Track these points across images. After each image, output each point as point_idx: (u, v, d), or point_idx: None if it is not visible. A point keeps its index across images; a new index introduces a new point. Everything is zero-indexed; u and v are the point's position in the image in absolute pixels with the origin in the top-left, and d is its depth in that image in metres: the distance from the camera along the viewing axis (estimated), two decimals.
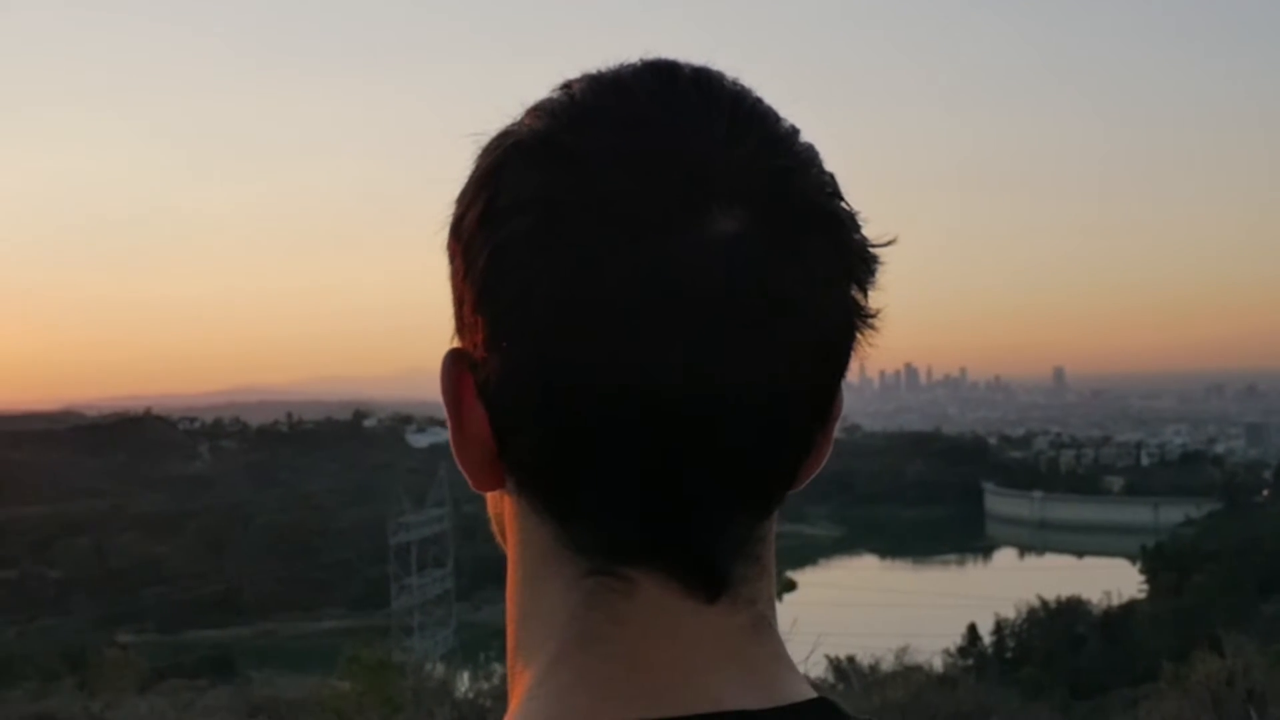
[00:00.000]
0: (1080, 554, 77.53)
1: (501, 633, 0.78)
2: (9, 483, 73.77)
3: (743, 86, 0.76)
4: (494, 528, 0.82)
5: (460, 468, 0.78)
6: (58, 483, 77.78)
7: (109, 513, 70.74)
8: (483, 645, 39.99)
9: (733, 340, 0.69)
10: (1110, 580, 49.58)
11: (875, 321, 0.76)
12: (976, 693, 16.04)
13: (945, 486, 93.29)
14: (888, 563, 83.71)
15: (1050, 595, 43.20)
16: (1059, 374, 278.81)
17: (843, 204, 0.75)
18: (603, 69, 0.76)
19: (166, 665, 33.43)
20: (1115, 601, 43.61)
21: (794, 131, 0.76)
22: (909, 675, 16.54)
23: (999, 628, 42.79)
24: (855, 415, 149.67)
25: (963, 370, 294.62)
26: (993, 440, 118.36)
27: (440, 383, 0.77)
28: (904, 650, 20.35)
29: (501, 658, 0.79)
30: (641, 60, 0.76)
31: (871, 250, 0.76)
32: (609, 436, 0.70)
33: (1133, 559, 60.95)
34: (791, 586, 68.26)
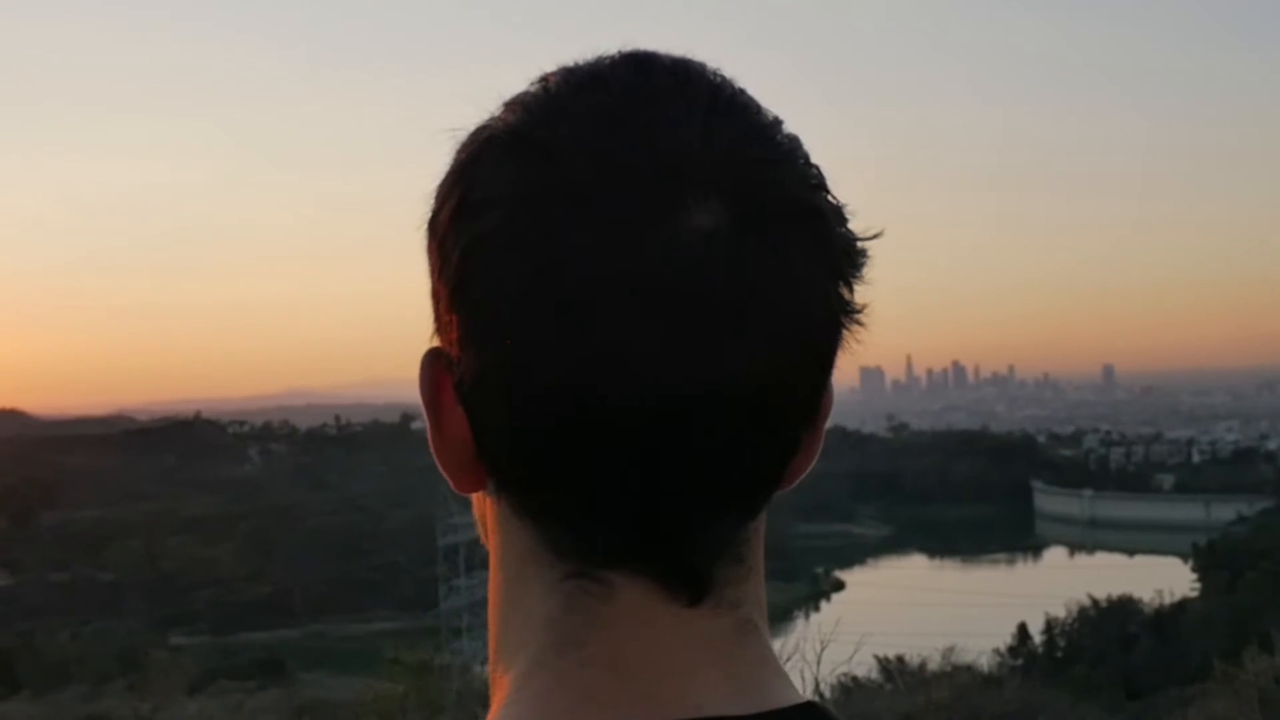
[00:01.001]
0: (1131, 552, 76.78)
1: None
2: (63, 487, 74.51)
3: (723, 78, 0.75)
4: (479, 530, 0.81)
5: (441, 469, 0.77)
6: (110, 486, 78.49)
7: (160, 516, 71.28)
8: None
9: (707, 337, 0.67)
10: (1162, 579, 49.09)
11: (862, 317, 0.75)
12: (1022, 692, 15.95)
13: (994, 485, 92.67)
14: (936, 562, 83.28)
15: (1101, 594, 42.87)
16: (1108, 371, 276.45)
17: (826, 197, 0.73)
18: (580, 61, 0.75)
19: (218, 667, 33.70)
20: (1167, 600, 43.20)
21: (776, 123, 0.74)
22: (954, 675, 16.47)
23: (1049, 627, 42.47)
24: (902, 414, 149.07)
25: (1011, 368, 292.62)
26: (1042, 438, 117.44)
27: (418, 382, 0.76)
28: (950, 650, 20.25)
29: None
30: (620, 52, 0.75)
31: (857, 244, 0.74)
32: (583, 436, 0.68)
33: (1184, 557, 60.28)
34: (840, 586, 68.12)
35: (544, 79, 0.75)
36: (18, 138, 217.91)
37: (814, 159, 0.75)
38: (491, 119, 0.75)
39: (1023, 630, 41.78)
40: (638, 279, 0.67)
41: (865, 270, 0.75)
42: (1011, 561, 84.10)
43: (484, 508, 0.79)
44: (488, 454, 0.73)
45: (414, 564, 61.74)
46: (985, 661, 25.85)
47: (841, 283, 0.73)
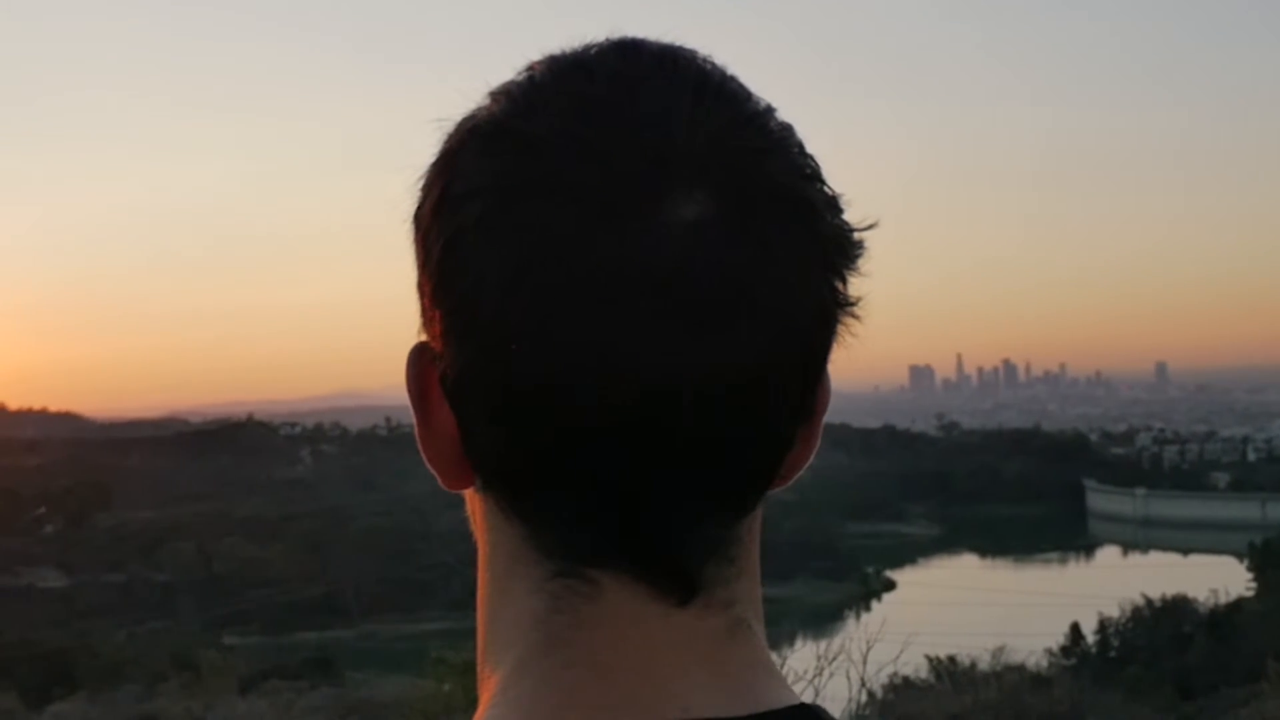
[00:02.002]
0: (1185, 551, 76.03)
1: None
2: (117, 488, 75.24)
3: (712, 65, 0.73)
4: (471, 527, 0.79)
5: (429, 466, 0.76)
6: (164, 488, 79.20)
7: (213, 517, 71.79)
8: None
9: (692, 331, 0.66)
10: (1217, 578, 48.57)
11: (857, 310, 0.73)
12: (1072, 692, 15.83)
13: (1045, 484, 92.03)
14: (988, 561, 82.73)
15: (1155, 593, 42.49)
16: (1161, 369, 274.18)
17: (818, 187, 0.71)
18: (567, 49, 0.73)
19: (271, 667, 33.91)
20: (1222, 600, 42.74)
21: (766, 111, 0.72)
22: (1003, 675, 16.38)
23: (1102, 627, 42.15)
24: (953, 413, 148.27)
25: (1062, 366, 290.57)
26: (1094, 437, 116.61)
27: (405, 378, 0.75)
28: (1000, 650, 20.14)
29: None
30: (608, 39, 0.73)
31: (851, 236, 0.72)
32: (566, 433, 0.67)
33: (1239, 556, 59.64)
34: (890, 586, 67.79)
35: (530, 67, 0.73)
36: (69, 144, 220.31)
37: (809, 148, 0.73)
38: (477, 109, 0.73)
39: (1075, 630, 41.47)
40: (620, 272, 0.65)
41: (860, 263, 0.73)
42: (1064, 561, 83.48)
43: (474, 505, 0.78)
44: (474, 451, 0.72)
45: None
46: (1038, 662, 25.65)
47: (833, 275, 0.71)
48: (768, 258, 0.67)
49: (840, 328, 0.73)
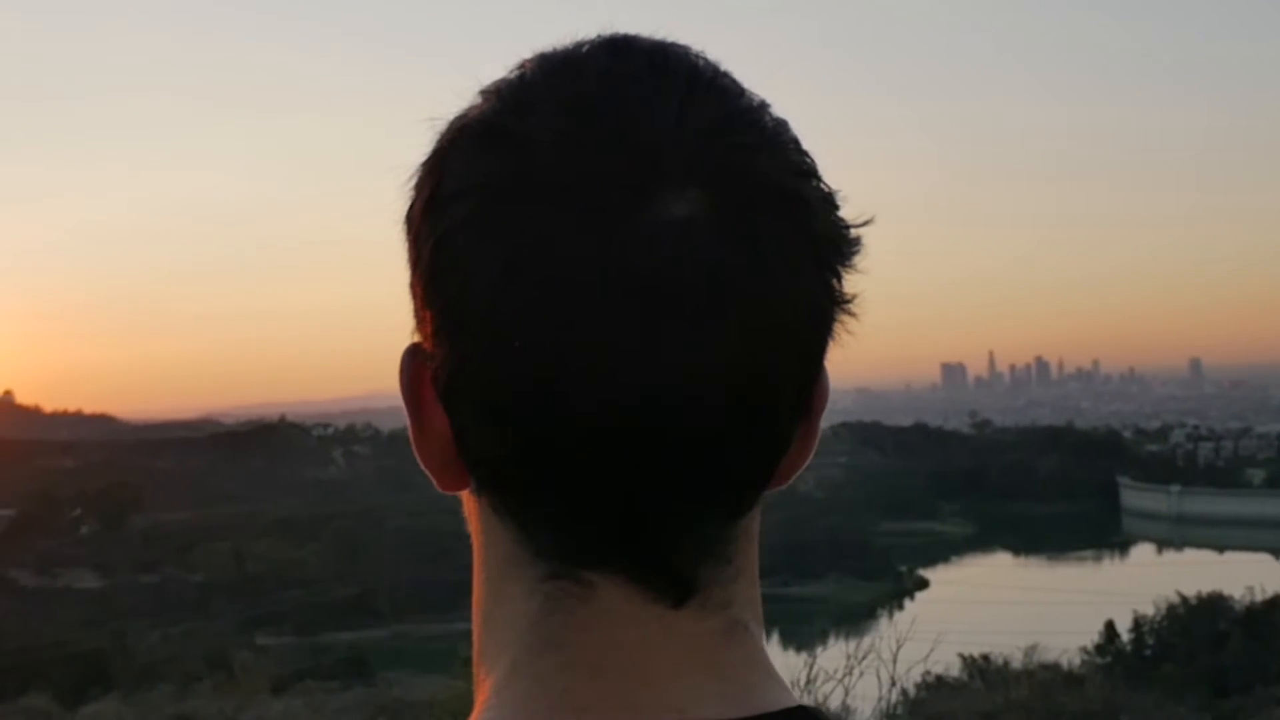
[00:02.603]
0: (1221, 549, 75.56)
1: None
2: (151, 490, 75.65)
3: (704, 61, 0.72)
4: (468, 529, 0.78)
5: (423, 468, 0.75)
6: (198, 489, 79.64)
7: (247, 518, 72.15)
8: None
9: (682, 330, 0.65)
10: (1253, 575, 48.16)
11: (854, 307, 0.72)
12: (1105, 691, 15.74)
13: (1079, 481, 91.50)
14: (1022, 560, 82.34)
15: (1190, 591, 42.18)
16: (1195, 365, 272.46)
17: (811, 183, 0.71)
18: (558, 46, 0.73)
19: (305, 667, 34.04)
20: (1258, 597, 42.45)
21: (759, 107, 0.71)
22: (1035, 674, 16.31)
23: (1137, 625, 41.87)
24: (985, 410, 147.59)
25: (1095, 363, 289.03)
26: (1128, 434, 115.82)
27: (399, 379, 0.74)
28: (1033, 648, 20.05)
29: None
30: (600, 36, 0.72)
31: (846, 233, 0.71)
32: (557, 434, 0.66)
33: (1275, 553, 59.33)
34: (924, 584, 67.55)
35: (521, 65, 0.72)
36: (104, 149, 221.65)
37: (805, 144, 0.72)
38: (468, 108, 0.72)
39: (1110, 628, 41.23)
40: (609, 271, 0.65)
41: (856, 260, 0.72)
42: (1098, 559, 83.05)
43: (469, 507, 0.77)
44: (467, 452, 0.71)
45: None
46: (1072, 660, 25.52)
47: (827, 273, 0.70)
48: (759, 255, 0.67)
49: (836, 326, 0.72)
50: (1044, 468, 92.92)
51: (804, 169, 0.71)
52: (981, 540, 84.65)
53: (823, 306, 0.70)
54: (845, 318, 0.72)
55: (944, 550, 78.74)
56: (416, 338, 0.73)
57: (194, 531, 69.43)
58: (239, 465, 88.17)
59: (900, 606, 59.57)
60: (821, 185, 0.71)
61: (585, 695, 0.69)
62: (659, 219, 0.65)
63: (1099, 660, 34.11)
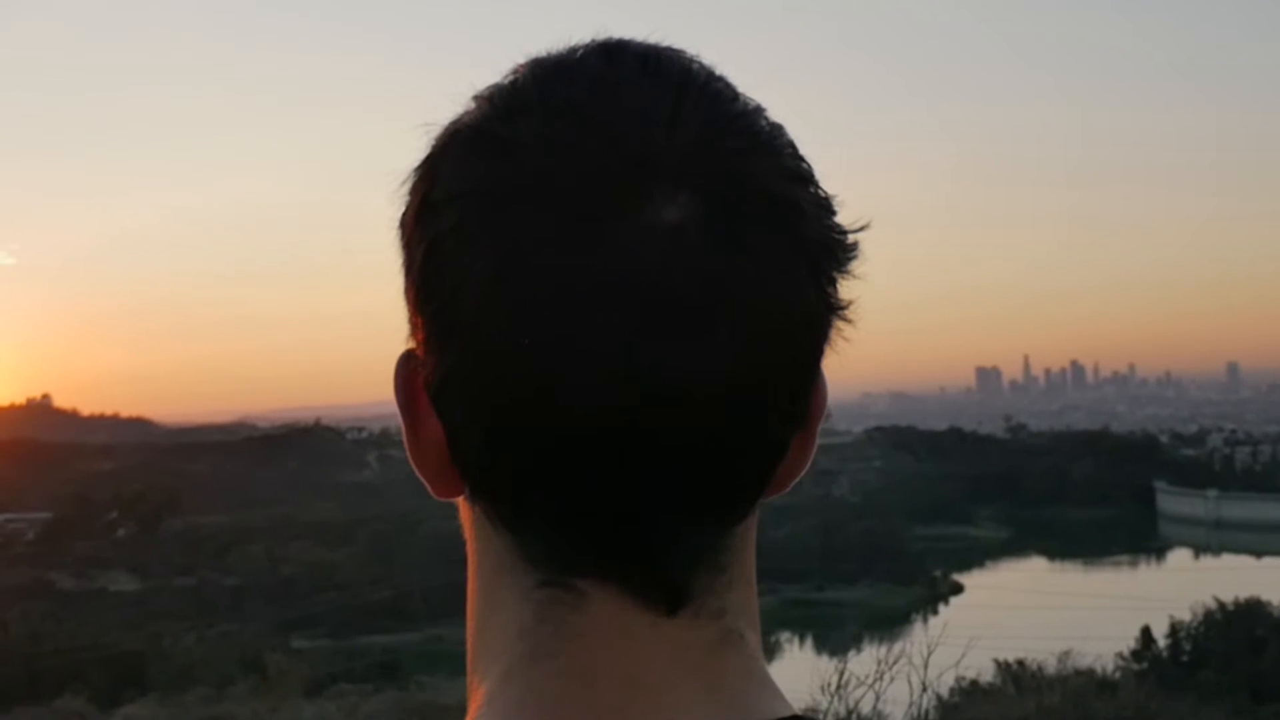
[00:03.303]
0: (1258, 554, 75.01)
1: None
2: (187, 493, 76.08)
3: (698, 65, 0.71)
4: (464, 536, 0.78)
5: (418, 474, 0.75)
6: (233, 492, 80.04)
7: (282, 521, 72.45)
8: None
9: (672, 337, 0.64)
10: None
11: (849, 314, 0.72)
12: (1139, 697, 15.65)
13: (1115, 486, 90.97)
14: (1057, 564, 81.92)
15: (1227, 597, 41.89)
16: (1233, 368, 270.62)
17: (805, 189, 0.70)
18: (551, 51, 0.72)
19: (339, 670, 34.17)
20: None
21: (752, 111, 0.71)
22: (1067, 680, 16.22)
23: (1174, 630, 41.61)
24: (1020, 414, 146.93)
25: (1131, 366, 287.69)
26: (1164, 438, 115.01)
27: (393, 385, 0.74)
28: (1066, 654, 19.94)
29: None
30: (593, 40, 0.72)
31: (841, 239, 0.71)
32: (548, 441, 0.66)
33: None
34: (958, 589, 67.26)
35: (515, 70, 0.72)
36: (140, 154, 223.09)
37: (801, 149, 0.72)
38: (461, 113, 0.72)
39: (1146, 634, 41.00)
40: (599, 277, 0.64)
41: (852, 266, 0.71)
42: (1134, 564, 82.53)
43: (464, 514, 0.77)
44: (460, 459, 0.71)
45: None
46: (1107, 665, 25.40)
47: (820, 279, 0.69)
48: (750, 261, 0.66)
49: (831, 332, 0.71)
50: (1079, 472, 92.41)
51: (798, 174, 0.70)
52: (1016, 545, 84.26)
53: (816, 312, 0.69)
54: (841, 324, 0.72)
55: (978, 555, 78.42)
56: (411, 344, 0.73)
57: (229, 534, 69.78)
58: (274, 468, 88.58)
59: (934, 612, 59.34)
60: (816, 190, 0.71)
61: (578, 704, 0.69)
62: (649, 224, 0.65)
63: (1135, 666, 33.93)
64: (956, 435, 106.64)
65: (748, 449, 0.69)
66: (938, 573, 68.61)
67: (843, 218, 0.72)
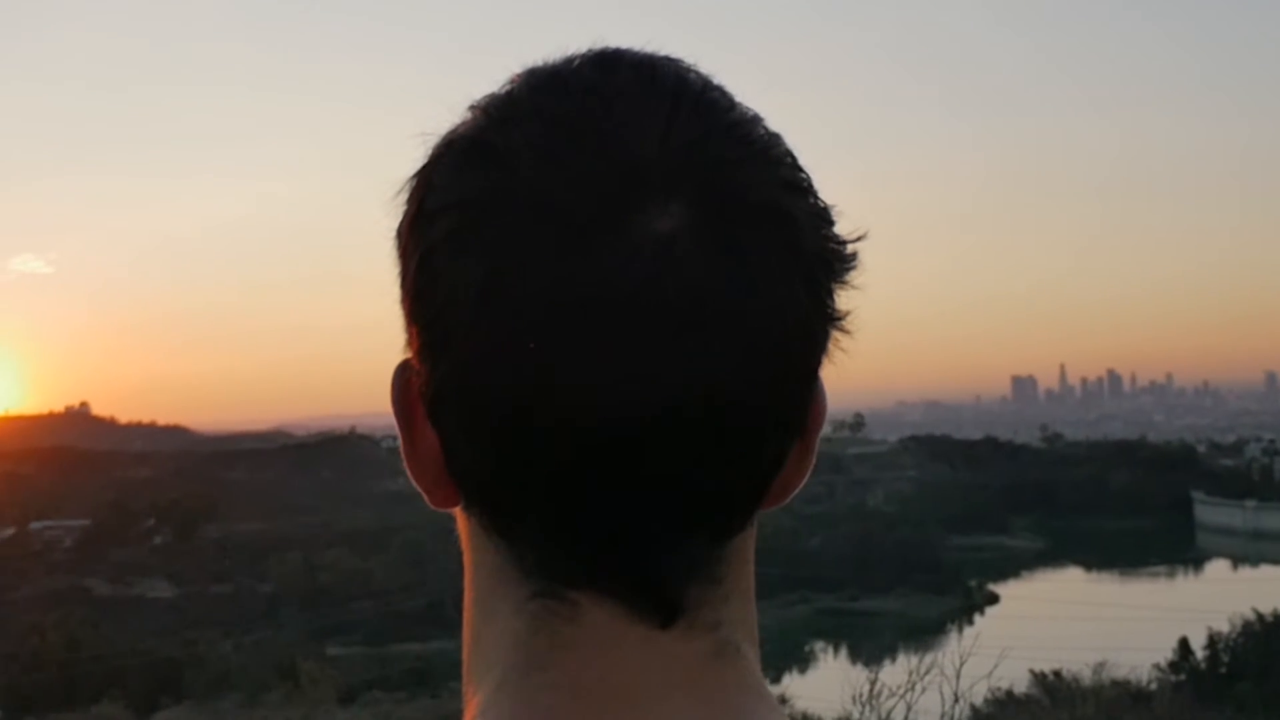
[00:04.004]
0: None
1: None
2: (224, 501, 76.52)
3: (694, 74, 0.71)
4: (462, 547, 0.78)
5: (415, 484, 0.75)
6: (269, 500, 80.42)
7: (317, 528, 72.76)
8: None
9: (663, 347, 0.64)
10: None
11: (847, 324, 0.71)
12: (1174, 709, 15.55)
13: (1152, 496, 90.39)
14: (1093, 575, 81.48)
15: (1266, 608, 41.59)
16: (1271, 378, 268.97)
17: (801, 198, 0.70)
18: (546, 61, 0.72)
19: (374, 678, 34.24)
20: None
21: (748, 121, 0.71)
22: (1101, 691, 16.14)
23: (1212, 642, 41.33)
24: (1056, 424, 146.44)
25: (1169, 376, 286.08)
26: (1202, 448, 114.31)
27: (390, 396, 0.74)
28: (1101, 665, 19.83)
29: None
30: (590, 50, 0.72)
31: (838, 249, 0.70)
32: (541, 453, 0.66)
33: None
34: (994, 600, 66.93)
35: (511, 80, 0.72)
36: (177, 165, 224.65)
37: (801, 159, 0.72)
38: (457, 123, 0.72)
39: (1184, 645, 40.75)
40: (589, 288, 0.64)
41: (849, 276, 0.71)
42: (1171, 574, 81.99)
43: (461, 524, 0.77)
44: (455, 469, 0.71)
45: None
46: (1145, 677, 25.22)
47: (815, 289, 0.69)
48: (743, 271, 0.66)
49: (828, 343, 0.71)
50: (1116, 482, 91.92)
51: (794, 184, 0.70)
52: (1052, 555, 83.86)
53: (811, 323, 0.69)
54: (839, 335, 0.71)
55: (1014, 565, 78.05)
56: (408, 354, 0.72)
57: (265, 542, 70.09)
58: (309, 476, 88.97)
59: (970, 622, 59.09)
60: (813, 200, 0.70)
61: (568, 716, 0.68)
62: (641, 234, 0.65)
63: (1173, 678, 33.71)
64: (992, 444, 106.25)
65: (743, 461, 0.68)
66: (973, 583, 68.31)
67: (844, 227, 0.71)
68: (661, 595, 0.69)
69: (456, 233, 0.67)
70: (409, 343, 0.71)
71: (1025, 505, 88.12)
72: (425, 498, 0.76)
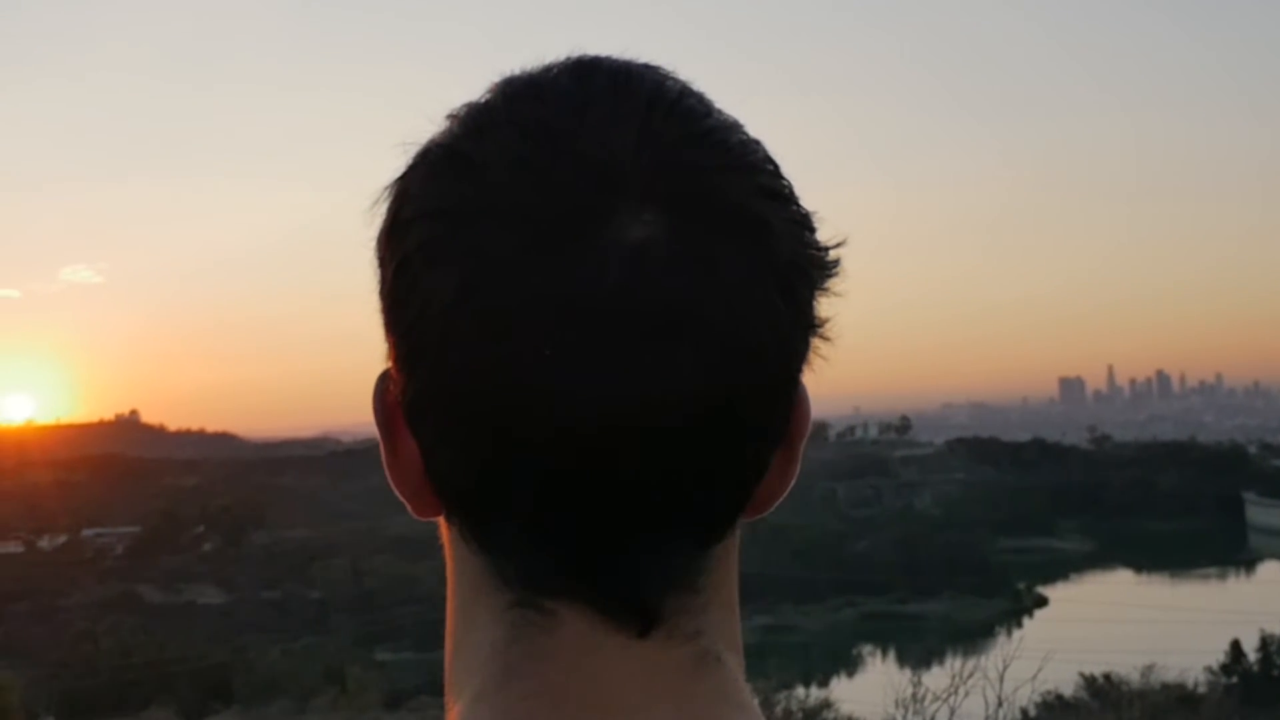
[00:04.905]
0: None
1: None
2: (272, 507, 77.04)
3: (672, 81, 0.71)
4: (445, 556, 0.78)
5: (397, 494, 0.75)
6: (316, 506, 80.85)
7: (365, 534, 73.06)
8: None
9: (635, 354, 0.64)
10: None
11: (827, 332, 0.71)
12: (1222, 712, 15.42)
13: (1202, 497, 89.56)
14: (1144, 577, 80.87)
15: None
16: None
17: (777, 205, 0.69)
18: (523, 70, 0.72)
19: (423, 682, 34.38)
20: None
21: (725, 127, 0.70)
22: (1146, 694, 16.03)
23: (1264, 644, 40.96)
24: (1104, 425, 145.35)
25: (1218, 376, 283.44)
26: (1253, 448, 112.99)
27: (372, 405, 0.74)
28: (1149, 668, 19.69)
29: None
30: (568, 58, 0.72)
31: (816, 256, 0.70)
32: (516, 462, 0.66)
33: None
34: (1042, 602, 66.54)
35: (490, 89, 0.72)
36: (225, 173, 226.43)
37: (781, 165, 0.71)
38: (435, 133, 0.72)
39: (1236, 647, 40.42)
40: (561, 296, 0.64)
41: (830, 283, 0.71)
42: (1223, 576, 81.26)
43: (444, 533, 0.77)
44: (435, 478, 0.71)
45: None
46: (1197, 679, 25.02)
47: (791, 297, 0.68)
48: (716, 279, 0.65)
49: (807, 350, 0.71)
50: (1166, 483, 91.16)
51: (771, 190, 0.69)
52: (1102, 557, 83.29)
53: (786, 331, 0.68)
54: (819, 342, 0.71)
55: (1063, 568, 77.58)
56: (388, 363, 0.72)
57: (313, 548, 70.51)
58: (357, 482, 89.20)
59: (1019, 625, 58.78)
60: (790, 207, 0.70)
61: None
62: (613, 242, 0.64)
63: (1225, 680, 33.45)
64: (1039, 446, 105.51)
65: (720, 469, 0.68)
66: (1021, 585, 67.93)
67: (825, 233, 0.71)
68: (639, 604, 0.68)
69: (430, 242, 0.67)
70: (388, 352, 0.71)
71: (1074, 507, 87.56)
72: (408, 507, 0.75)
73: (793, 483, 0.75)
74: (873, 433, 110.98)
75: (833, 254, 0.71)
